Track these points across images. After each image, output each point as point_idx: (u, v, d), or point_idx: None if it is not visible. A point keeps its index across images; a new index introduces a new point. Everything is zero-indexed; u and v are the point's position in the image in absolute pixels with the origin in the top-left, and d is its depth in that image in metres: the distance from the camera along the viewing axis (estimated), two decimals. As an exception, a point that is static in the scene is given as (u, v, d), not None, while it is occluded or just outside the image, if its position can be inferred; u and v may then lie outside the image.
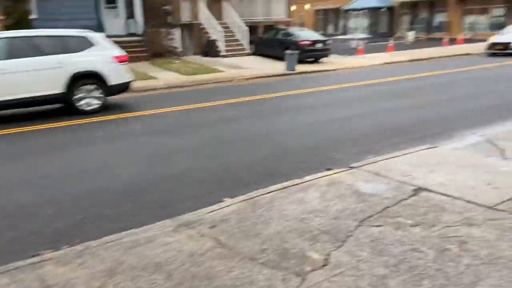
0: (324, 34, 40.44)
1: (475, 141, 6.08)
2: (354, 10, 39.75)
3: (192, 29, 21.54)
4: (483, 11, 31.37)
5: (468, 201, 3.97)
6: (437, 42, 26.97)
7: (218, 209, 4.11)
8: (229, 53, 20.40)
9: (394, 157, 5.51)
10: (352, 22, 40.68)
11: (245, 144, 6.94)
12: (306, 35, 19.69)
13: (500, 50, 19.81)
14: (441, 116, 8.25)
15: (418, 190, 4.32)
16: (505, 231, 3.36)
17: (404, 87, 12.24)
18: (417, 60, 19.90)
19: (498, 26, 30.01)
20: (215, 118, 9.03)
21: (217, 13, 21.87)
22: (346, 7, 40.23)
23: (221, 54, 20.28)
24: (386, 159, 5.44)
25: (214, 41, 20.60)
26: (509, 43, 19.58)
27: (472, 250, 3.12)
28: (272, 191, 4.47)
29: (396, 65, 18.76)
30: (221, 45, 20.40)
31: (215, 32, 20.59)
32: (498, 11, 30.48)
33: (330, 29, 47.16)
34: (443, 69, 15.57)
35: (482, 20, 31.63)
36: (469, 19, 32.30)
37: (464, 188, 4.29)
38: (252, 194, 4.45)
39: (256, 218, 3.86)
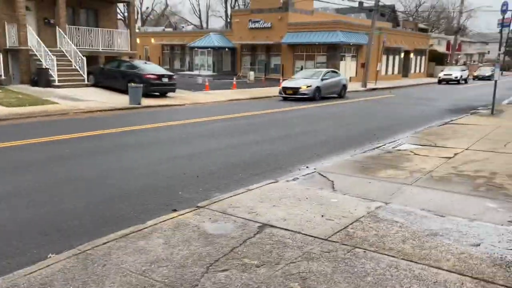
0: (170, 69, 40.61)
1: (309, 174, 6.60)
2: (199, 48, 41.17)
3: (19, 55, 19.04)
4: (310, 58, 36.06)
5: (307, 235, 4.16)
6: (275, 82, 29.72)
7: (38, 270, 3.40)
8: (64, 83, 18.59)
9: (240, 193, 5.56)
10: (198, 59, 41.97)
11: (77, 187, 6.15)
12: (151, 68, 19.36)
13: (290, 95, 20.24)
14: (279, 151, 8.83)
15: (262, 226, 4.37)
16: (339, 263, 3.58)
17: (246, 123, 12.89)
18: (258, 98, 21.46)
19: (322, 71, 34.72)
20: (43, 158, 7.89)
21: (51, 39, 19.89)
22: (192, 44, 41.42)
23: (55, 84, 18.34)
24: (232, 196, 5.44)
25: (46, 69, 18.53)
26: (299, 88, 20.21)
27: (312, 286, 3.20)
28: (109, 241, 3.95)
29: (239, 102, 19.85)
30: (55, 74, 18.46)
31: (47, 59, 18.57)
32: (321, 58, 35.42)
33: (177, 64, 47.78)
34: (281, 107, 17.06)
35: (309, 65, 36.23)
36: (299, 63, 36.67)
37: (302, 221, 4.51)
38: (84, 246, 3.84)
39: (88, 277, 3.30)
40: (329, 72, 22.49)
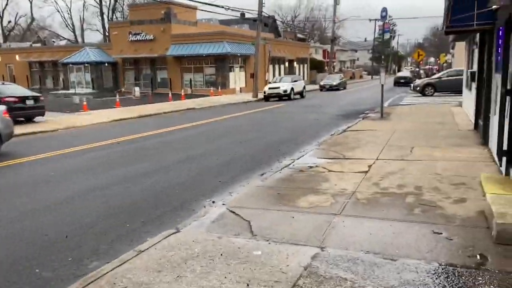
0: (41, 89, 35.84)
1: (218, 214, 5.28)
2: (74, 64, 37.14)
3: None
4: (198, 70, 34.89)
5: (233, 328, 2.82)
6: (163, 97, 27.81)
7: None
8: None
9: (128, 260, 3.98)
10: (74, 76, 37.84)
11: None
12: (12, 90, 16.16)
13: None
14: (177, 182, 7.35)
15: (164, 323, 2.90)
16: None
17: (135, 148, 11.06)
18: (147, 116, 19.48)
19: (212, 83, 33.90)
20: None
21: None
22: (65, 60, 37.19)
23: None
24: (116, 266, 3.84)
25: None
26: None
27: None
28: None
29: (126, 122, 17.66)
30: None
31: None
32: (210, 70, 34.50)
33: (49, 83, 42.68)
34: (175, 125, 15.43)
35: (198, 77, 35.06)
36: (188, 76, 35.25)
37: (223, 300, 3.16)
38: None
39: None
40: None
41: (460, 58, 31.11)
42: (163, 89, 34.17)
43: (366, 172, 7.07)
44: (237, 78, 35.23)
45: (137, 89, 31.02)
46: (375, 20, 57.48)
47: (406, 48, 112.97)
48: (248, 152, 9.98)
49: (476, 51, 11.94)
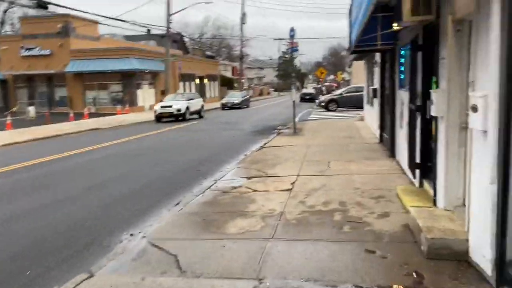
0: None
1: (139, 249, 4.72)
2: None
3: None
4: (103, 87, 32.87)
5: None
6: (63, 117, 25.54)
7: None
8: None
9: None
10: (-47, 95, 33.17)
11: None
12: None
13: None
14: (87, 214, 6.54)
15: None
16: None
17: (29, 177, 9.76)
18: (45, 138, 17.59)
19: (118, 101, 32.16)
20: None
21: None
22: None
23: None
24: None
25: None
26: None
27: None
28: None
29: (20, 146, 15.72)
30: None
31: None
32: (116, 87, 32.71)
33: None
34: (79, 147, 14.06)
35: (103, 95, 33.03)
36: (91, 94, 33.02)
37: None
38: None
39: None
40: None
41: (357, 75, 33.67)
42: (62, 107, 31.49)
43: (291, 190, 7.01)
44: (146, 95, 33.91)
45: (31, 108, 28.10)
46: (280, 39, 60.16)
47: (307, 66, 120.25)
48: (165, 174, 9.39)
49: (377, 69, 12.89)
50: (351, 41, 8.82)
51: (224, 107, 35.15)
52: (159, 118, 23.95)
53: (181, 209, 6.31)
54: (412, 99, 6.54)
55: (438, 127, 5.07)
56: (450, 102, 4.55)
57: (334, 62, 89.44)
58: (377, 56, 12.48)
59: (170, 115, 23.87)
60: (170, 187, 8.12)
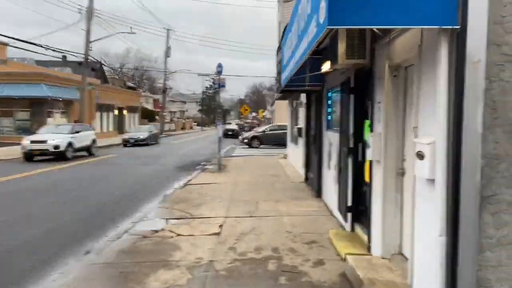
0: None
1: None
2: None
3: None
4: (8, 114, 29.75)
5: None
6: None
7: None
8: None
9: None
10: None
11: None
12: None
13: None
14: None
15: None
16: None
17: None
18: None
19: (25, 130, 29.24)
20: None
21: None
22: None
23: None
24: None
25: None
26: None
27: None
28: None
29: None
30: None
31: None
32: (23, 115, 29.80)
33: None
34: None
35: (6, 122, 29.87)
36: (-8, 121, 29.70)
37: None
38: None
39: None
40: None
41: (280, 114, 34.66)
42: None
43: (219, 233, 6.49)
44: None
45: None
46: (204, 75, 60.53)
47: (229, 103, 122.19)
48: (75, 216, 8.30)
49: (302, 110, 13.14)
50: (280, 80, 8.81)
51: (126, 143, 28.95)
52: (29, 156, 18.51)
53: (94, 259, 5.45)
54: (343, 141, 6.53)
55: (373, 171, 5.01)
56: (387, 147, 4.50)
57: (255, 100, 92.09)
58: (303, 97, 12.75)
59: (45, 152, 18.47)
60: (82, 231, 7.12)
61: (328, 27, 2.93)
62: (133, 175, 14.59)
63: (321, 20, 3.10)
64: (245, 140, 29.08)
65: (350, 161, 6.12)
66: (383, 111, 4.56)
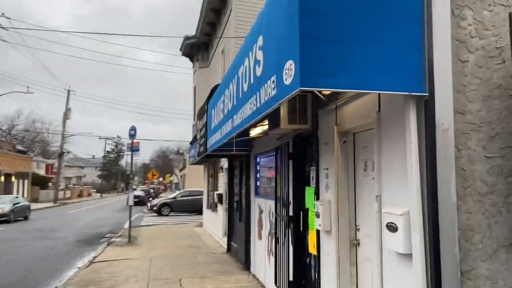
0: None
1: None
2: None
3: None
4: None
5: None
6: None
7: None
8: None
9: None
10: None
11: None
12: None
13: None
14: None
15: None
16: None
17: None
18: None
19: None
20: None
21: None
22: None
23: None
24: None
25: None
26: None
27: None
28: None
29: None
30: None
31: None
32: None
33: None
34: None
35: None
36: None
37: None
38: None
39: None
40: None
41: (192, 179, 33.82)
42: None
43: (142, 325, 5.49)
44: None
45: None
46: (106, 138, 57.66)
47: (133, 168, 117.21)
48: None
49: (223, 175, 12.75)
50: (206, 145, 8.41)
51: None
52: None
53: None
54: (280, 209, 6.21)
55: (321, 242, 4.70)
56: (339, 216, 4.26)
57: (161, 165, 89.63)
58: (224, 162, 12.42)
59: None
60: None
61: (301, 88, 2.68)
62: (24, 253, 12.42)
63: (288, 82, 2.84)
64: (154, 208, 27.40)
65: (289, 231, 5.77)
66: (333, 177, 4.37)
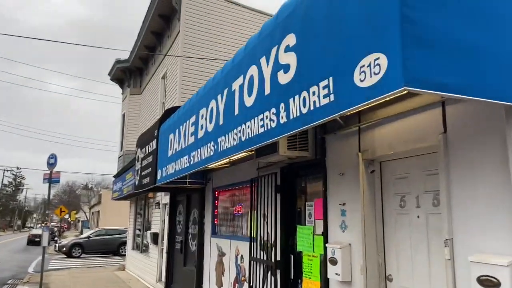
0: None
1: None
2: None
3: None
4: None
5: None
6: None
7: None
8: None
9: None
10: None
11: None
12: None
13: None
14: None
15: None
16: None
17: None
18: None
19: None
20: None
21: None
22: None
23: None
24: None
25: None
26: None
27: None
28: None
29: None
30: None
31: None
32: None
33: None
34: None
35: None
36: None
37: None
38: None
39: None
40: None
41: (107, 216, 30.86)
42: None
43: None
44: None
45: None
46: (4, 170, 51.33)
47: (31, 203, 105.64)
48: None
49: (161, 211, 11.28)
50: (156, 175, 7.17)
51: None
52: None
53: None
54: (254, 252, 5.21)
55: (333, 295, 3.82)
56: (367, 263, 3.45)
57: (66, 201, 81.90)
58: (162, 196, 11.02)
59: None
60: None
61: (406, 87, 1.89)
62: None
63: (368, 83, 2.04)
64: (63, 249, 24.09)
65: (273, 279, 4.79)
66: (355, 215, 3.58)
